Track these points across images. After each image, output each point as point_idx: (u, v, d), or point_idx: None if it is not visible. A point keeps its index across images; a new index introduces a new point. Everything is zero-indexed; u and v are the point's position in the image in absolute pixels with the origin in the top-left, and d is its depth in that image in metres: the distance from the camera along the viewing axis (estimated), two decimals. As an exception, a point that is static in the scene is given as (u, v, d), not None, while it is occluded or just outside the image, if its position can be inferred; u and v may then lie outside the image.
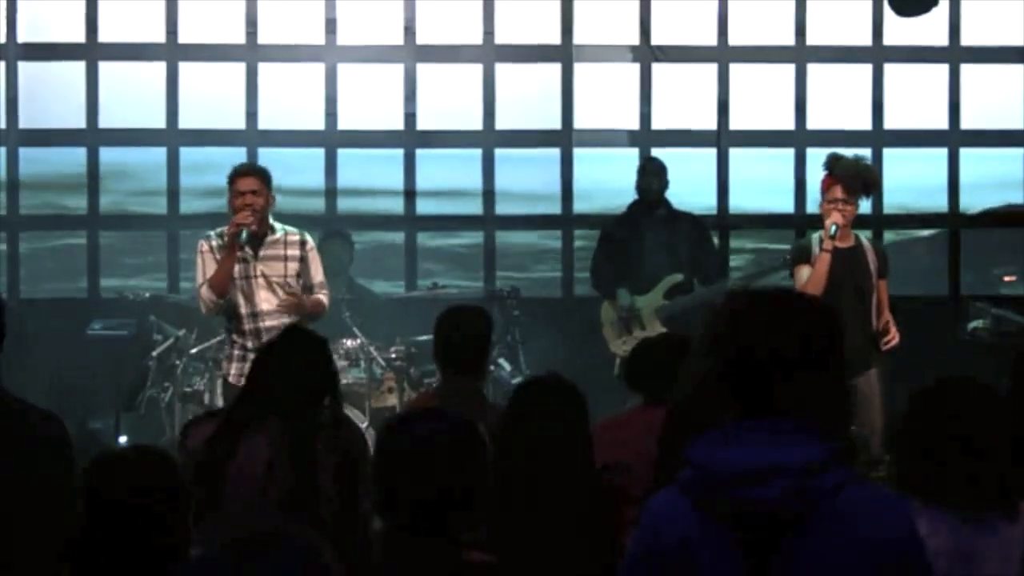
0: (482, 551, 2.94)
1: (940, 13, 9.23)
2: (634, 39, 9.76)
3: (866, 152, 8.93)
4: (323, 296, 6.82)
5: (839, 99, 9.85)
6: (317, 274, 6.81)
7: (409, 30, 9.67)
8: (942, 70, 9.86)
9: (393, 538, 2.90)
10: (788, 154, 9.83)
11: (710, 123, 9.78)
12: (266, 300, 6.61)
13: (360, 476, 4.29)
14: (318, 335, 4.77)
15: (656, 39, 9.74)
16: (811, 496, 2.39)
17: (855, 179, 6.76)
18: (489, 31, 9.72)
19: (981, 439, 3.09)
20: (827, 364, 2.48)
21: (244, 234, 6.48)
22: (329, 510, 4.22)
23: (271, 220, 6.74)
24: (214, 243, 6.64)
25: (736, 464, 2.43)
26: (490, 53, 9.74)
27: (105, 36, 9.60)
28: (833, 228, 6.64)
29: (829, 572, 2.41)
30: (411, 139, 9.74)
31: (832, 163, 6.82)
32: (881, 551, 2.40)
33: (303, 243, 6.77)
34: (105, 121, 9.61)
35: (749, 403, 2.47)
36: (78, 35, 9.60)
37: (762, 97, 9.85)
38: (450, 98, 9.77)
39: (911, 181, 9.96)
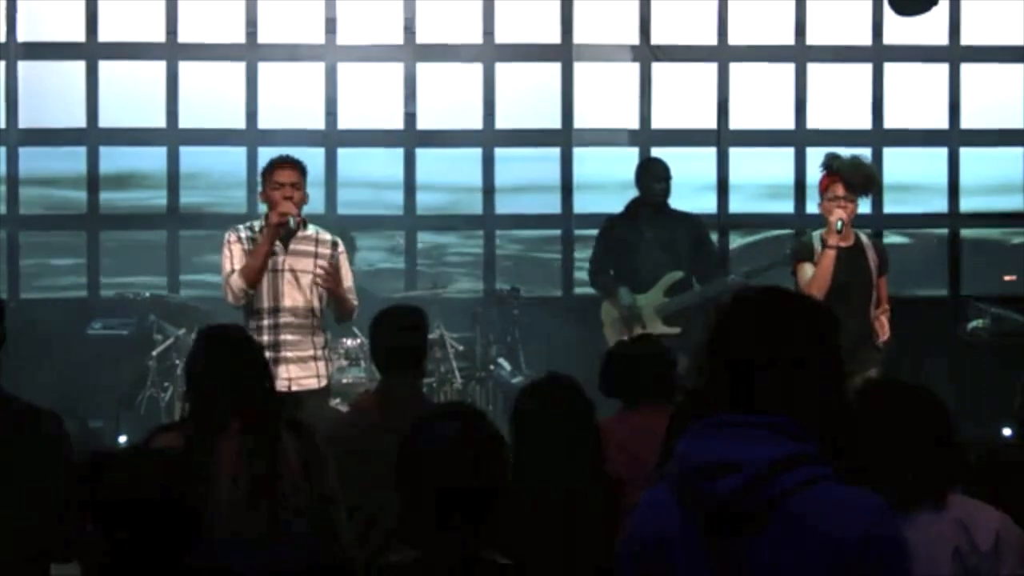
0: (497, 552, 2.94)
1: (940, 12, 9.24)
2: (634, 39, 9.76)
3: (866, 151, 8.95)
4: (353, 300, 6.55)
5: (839, 98, 9.85)
6: (347, 278, 6.52)
7: (409, 30, 9.67)
8: (942, 69, 9.86)
9: (417, 539, 2.89)
10: (788, 153, 9.83)
11: (710, 122, 9.78)
12: (289, 296, 6.35)
13: (327, 473, 4.32)
14: (239, 329, 4.71)
15: (656, 39, 9.74)
16: (765, 494, 2.40)
17: (856, 175, 6.75)
18: (489, 31, 9.73)
19: (901, 436, 3.13)
20: (803, 364, 2.48)
21: (291, 222, 6.24)
22: (298, 507, 4.24)
23: (303, 217, 6.46)
24: (243, 235, 6.40)
25: (700, 458, 2.45)
26: (490, 52, 9.75)
27: (105, 35, 9.61)
28: (839, 224, 6.63)
29: (789, 570, 2.40)
30: (411, 138, 9.74)
31: (831, 161, 6.81)
32: (843, 551, 2.38)
33: (335, 244, 6.51)
34: (105, 120, 9.62)
35: (734, 400, 2.48)
36: (78, 34, 9.60)
37: (762, 97, 9.85)
38: (450, 97, 9.77)
39: (911, 180, 9.96)
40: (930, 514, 3.09)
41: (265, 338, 6.27)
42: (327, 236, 6.54)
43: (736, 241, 9.92)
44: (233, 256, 6.34)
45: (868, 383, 3.36)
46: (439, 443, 2.91)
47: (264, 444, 4.25)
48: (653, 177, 8.39)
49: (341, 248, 6.56)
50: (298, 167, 6.42)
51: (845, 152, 6.95)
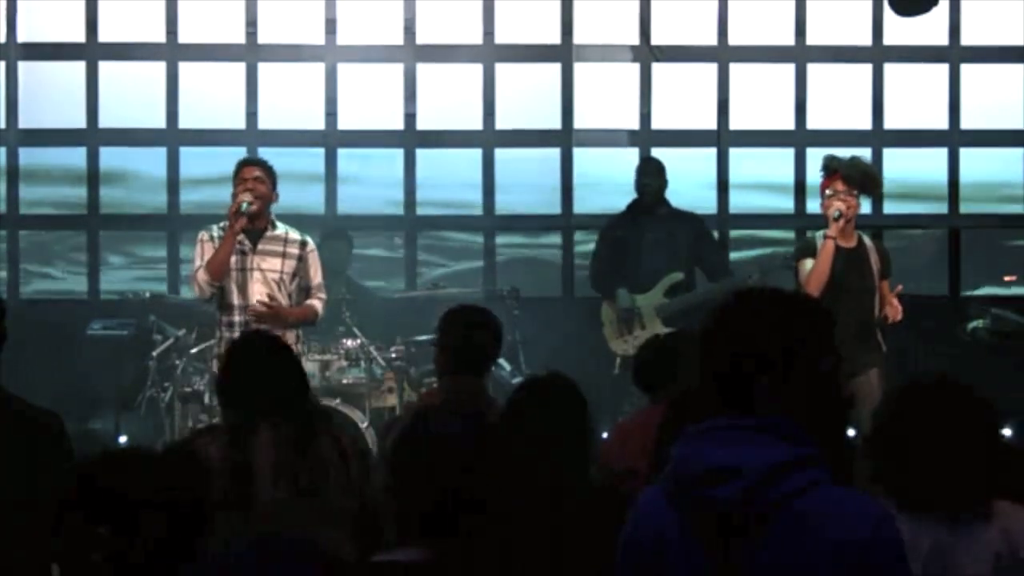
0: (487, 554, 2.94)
1: (940, 13, 9.23)
2: (634, 39, 9.76)
3: (866, 152, 8.97)
4: (318, 301, 6.78)
5: (839, 99, 9.85)
6: (316, 276, 6.80)
7: (409, 30, 9.67)
8: (942, 70, 9.86)
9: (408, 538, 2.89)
10: (788, 154, 9.83)
11: (710, 123, 9.78)
12: (259, 294, 6.59)
13: (364, 468, 4.37)
14: (274, 335, 4.84)
15: (656, 39, 9.74)
16: (766, 499, 2.39)
17: (853, 171, 6.78)
18: (489, 31, 9.72)
19: (953, 439, 3.06)
20: (801, 365, 2.47)
21: (244, 206, 6.47)
22: (340, 504, 4.29)
23: (273, 217, 6.74)
24: (215, 233, 6.64)
25: (699, 463, 2.43)
26: (490, 53, 9.74)
27: (105, 36, 9.61)
28: (836, 213, 6.65)
29: (790, 573, 2.39)
30: (411, 139, 9.74)
31: (829, 162, 6.84)
32: (844, 554, 2.37)
33: (303, 244, 6.77)
34: (105, 121, 9.62)
35: (731, 402, 2.47)
36: (78, 35, 9.61)
37: (762, 97, 9.85)
38: (450, 98, 9.77)
39: (911, 181, 9.96)
40: (976, 520, 3.05)
41: (237, 334, 6.47)
42: (296, 236, 6.76)
43: (736, 244, 9.92)
44: (204, 253, 6.61)
45: (916, 383, 3.24)
46: (437, 441, 2.90)
47: (300, 444, 4.31)
48: (646, 175, 8.43)
49: (311, 247, 6.81)
50: (261, 166, 6.72)
51: (845, 153, 6.98)
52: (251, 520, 4.24)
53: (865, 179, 6.85)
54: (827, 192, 6.78)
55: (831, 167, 6.80)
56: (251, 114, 9.64)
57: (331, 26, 9.64)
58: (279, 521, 4.21)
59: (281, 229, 6.73)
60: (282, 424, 4.35)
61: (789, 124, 9.82)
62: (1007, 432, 7.82)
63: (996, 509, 3.08)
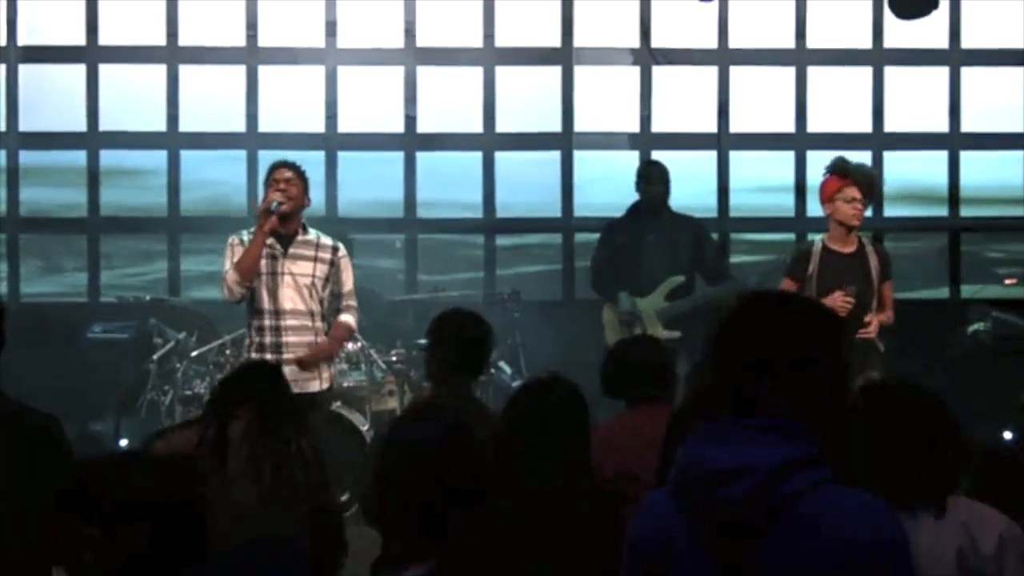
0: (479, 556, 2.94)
1: (940, 15, 9.23)
2: (634, 42, 9.76)
3: (866, 155, 8.97)
4: (349, 314, 6.65)
5: (839, 102, 9.85)
6: (347, 282, 6.63)
7: (409, 32, 9.68)
8: (942, 72, 9.87)
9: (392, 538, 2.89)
10: (788, 157, 9.83)
11: (710, 126, 9.78)
12: (290, 299, 6.44)
13: (322, 476, 4.40)
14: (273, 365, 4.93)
15: (656, 42, 9.74)
16: (773, 499, 2.39)
17: (864, 176, 6.77)
18: (489, 33, 9.73)
19: (908, 437, 3.12)
20: (807, 366, 2.47)
21: (274, 205, 6.34)
22: (300, 505, 4.30)
23: (304, 221, 6.58)
24: (244, 238, 6.48)
25: (704, 464, 2.44)
26: (490, 55, 9.75)
27: (105, 39, 9.61)
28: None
29: (796, 572, 2.40)
30: (411, 142, 9.74)
31: (843, 165, 6.80)
32: (848, 554, 2.38)
33: (335, 249, 6.60)
34: (105, 124, 9.62)
35: (737, 403, 2.48)
36: (78, 38, 9.61)
37: (762, 100, 9.85)
38: (450, 100, 9.78)
39: (911, 184, 9.96)
40: (933, 516, 3.09)
41: (268, 339, 6.44)
42: (328, 241, 6.61)
43: (736, 247, 9.93)
44: (233, 256, 6.44)
45: (871, 383, 3.34)
46: (413, 446, 2.91)
47: (273, 449, 4.32)
48: (651, 180, 8.40)
49: (342, 252, 6.64)
50: (293, 168, 6.55)
51: (844, 155, 6.97)
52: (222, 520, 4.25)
53: (872, 187, 6.86)
54: (838, 196, 6.75)
55: (845, 170, 6.77)
56: (251, 117, 9.65)
57: (331, 28, 9.65)
58: (251, 524, 4.21)
59: (313, 234, 6.57)
60: (259, 410, 4.38)
61: (789, 127, 9.82)
62: (1007, 434, 7.83)
63: (955, 505, 3.13)
